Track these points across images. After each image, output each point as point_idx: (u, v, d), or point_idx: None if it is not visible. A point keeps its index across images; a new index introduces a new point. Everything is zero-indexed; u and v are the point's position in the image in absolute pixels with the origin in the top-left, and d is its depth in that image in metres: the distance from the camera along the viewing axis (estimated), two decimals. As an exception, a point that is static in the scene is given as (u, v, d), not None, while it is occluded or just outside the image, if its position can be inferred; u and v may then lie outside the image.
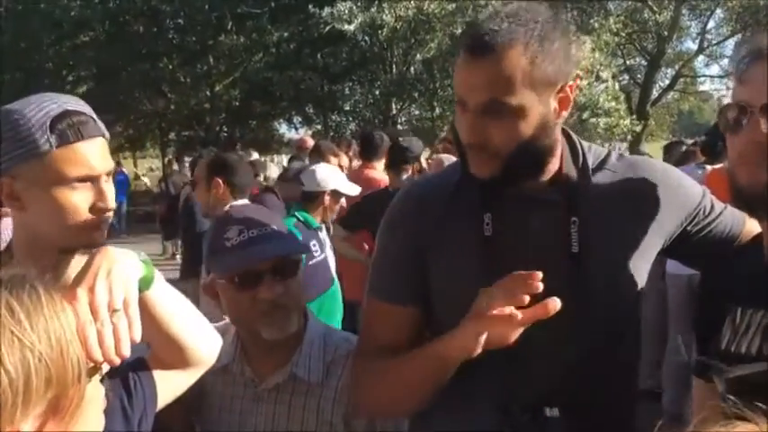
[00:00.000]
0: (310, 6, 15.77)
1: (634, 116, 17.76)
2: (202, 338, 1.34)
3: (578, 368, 1.38)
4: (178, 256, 11.97)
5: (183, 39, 21.67)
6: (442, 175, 1.58)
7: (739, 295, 1.27)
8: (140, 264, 1.17)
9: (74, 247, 1.39)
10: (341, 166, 6.12)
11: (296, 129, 25.90)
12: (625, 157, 1.52)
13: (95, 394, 0.97)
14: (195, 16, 19.97)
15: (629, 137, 18.63)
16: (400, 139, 4.75)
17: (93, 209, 1.36)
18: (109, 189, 1.39)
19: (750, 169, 1.16)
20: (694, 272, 1.51)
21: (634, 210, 1.44)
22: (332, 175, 4.21)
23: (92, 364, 0.94)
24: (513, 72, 1.27)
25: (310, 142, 8.15)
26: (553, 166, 1.42)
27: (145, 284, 1.16)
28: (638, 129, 18.86)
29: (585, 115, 17.66)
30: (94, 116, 1.39)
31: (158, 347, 1.30)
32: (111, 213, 1.41)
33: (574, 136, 1.50)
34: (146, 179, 23.21)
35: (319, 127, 23.69)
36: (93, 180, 1.36)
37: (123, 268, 1.10)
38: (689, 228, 1.48)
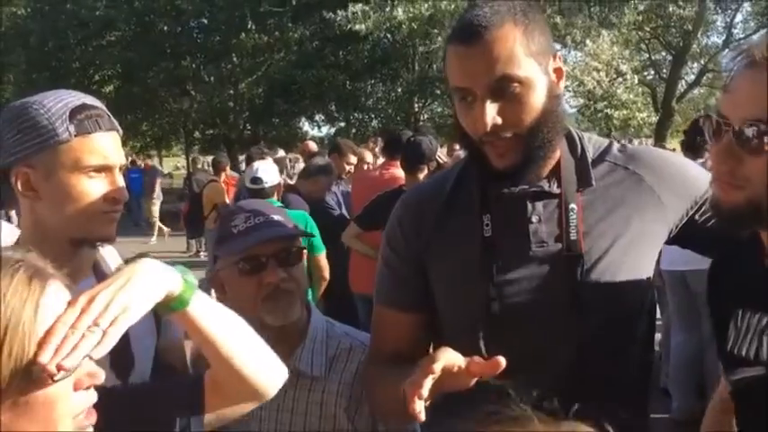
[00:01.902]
0: (324, 11, 15.81)
1: (652, 110, 17.54)
2: (257, 362, 1.25)
3: (581, 362, 1.36)
4: (202, 254, 12.11)
5: (207, 38, 21.81)
6: (437, 181, 1.59)
7: (740, 297, 1.26)
8: (179, 282, 1.13)
9: (85, 238, 1.42)
10: (366, 163, 6.19)
11: (318, 126, 26.01)
12: (627, 148, 1.50)
13: (56, 399, 0.94)
14: (218, 15, 20.09)
15: (645, 130, 18.42)
16: (411, 138, 4.72)
17: (106, 199, 1.40)
18: (122, 181, 1.43)
19: (725, 189, 1.11)
20: (688, 268, 1.50)
21: (636, 200, 1.42)
22: (275, 169, 4.98)
23: (40, 366, 0.91)
24: (513, 45, 1.28)
25: (311, 146, 8.36)
26: (552, 157, 1.41)
27: (180, 303, 1.13)
28: (653, 120, 18.62)
29: (600, 106, 17.51)
30: (108, 113, 1.44)
31: (214, 368, 1.25)
32: (121, 207, 1.44)
33: (571, 128, 1.49)
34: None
35: (342, 124, 23.72)
36: (108, 170, 1.41)
37: (142, 284, 1.06)
38: (696, 216, 1.45)
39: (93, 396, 1.01)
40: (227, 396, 1.27)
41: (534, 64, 1.30)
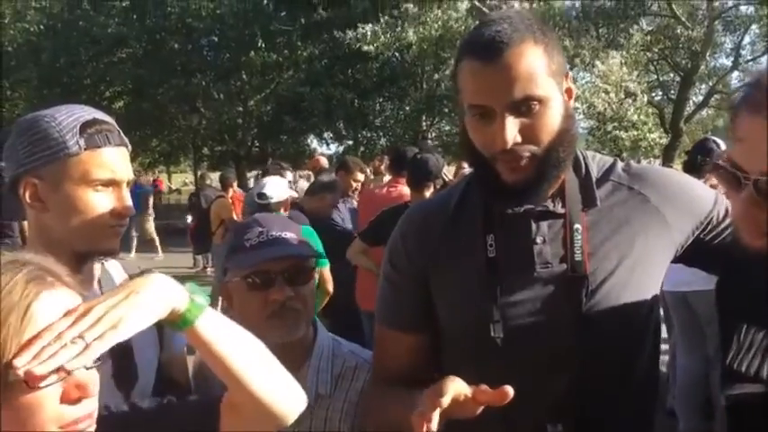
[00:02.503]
0: (335, 31, 15.92)
1: (662, 131, 17.54)
2: (273, 384, 1.19)
3: (585, 382, 1.35)
4: (209, 270, 12.11)
5: (217, 56, 22.00)
6: (441, 198, 1.57)
7: (746, 312, 1.24)
8: (185, 301, 1.10)
9: (88, 251, 1.43)
10: (357, 182, 6.23)
11: (327, 144, 26.09)
12: (632, 167, 1.48)
13: (39, 404, 0.94)
14: (228, 33, 20.27)
15: (655, 151, 18.40)
16: (417, 155, 4.74)
17: (112, 213, 1.41)
18: (128, 197, 1.45)
19: (752, 236, 1.09)
20: (690, 289, 1.48)
21: (641, 221, 1.40)
22: (284, 185, 5.10)
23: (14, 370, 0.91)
24: (535, 63, 1.27)
25: (323, 161, 8.40)
26: (559, 176, 1.39)
27: (184, 322, 1.10)
28: (663, 141, 18.62)
29: (610, 127, 17.49)
30: (118, 128, 1.46)
31: (230, 390, 1.20)
32: (126, 222, 1.45)
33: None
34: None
35: (350, 142, 23.78)
36: (115, 185, 1.42)
37: (141, 301, 1.04)
38: (702, 236, 1.43)
39: (88, 407, 0.99)
40: (243, 420, 1.20)
41: (553, 83, 1.30)
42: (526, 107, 1.27)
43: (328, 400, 1.64)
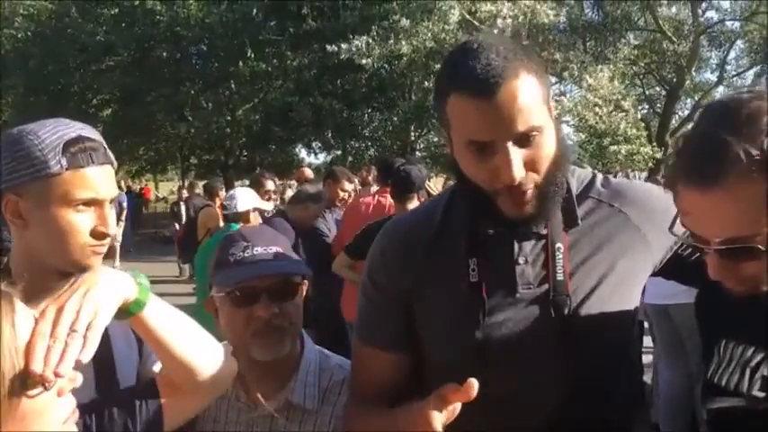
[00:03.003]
0: (326, 44, 15.97)
1: (654, 144, 17.67)
2: (208, 359, 1.35)
3: (570, 404, 1.35)
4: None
5: (206, 65, 22.00)
6: (423, 214, 1.53)
7: (724, 326, 1.26)
8: (134, 286, 1.20)
9: (70, 270, 1.42)
10: (346, 191, 6.23)
11: (315, 154, 26.12)
12: (611, 182, 1.47)
13: (47, 407, 1.00)
14: (217, 43, 20.28)
15: (650, 164, 18.56)
16: (400, 166, 4.74)
17: (93, 233, 1.40)
18: (110, 215, 1.43)
19: (734, 287, 1.12)
20: (671, 302, 1.49)
21: (622, 240, 1.39)
22: (250, 195, 5.09)
23: (35, 376, 0.97)
24: (532, 93, 1.25)
25: (308, 172, 8.44)
26: None
27: (137, 306, 1.20)
28: (658, 156, 18.80)
29: (606, 142, 17.59)
30: (105, 145, 1.45)
31: (166, 367, 1.34)
32: (109, 240, 1.44)
33: None
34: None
35: (338, 152, 23.81)
36: (96, 204, 1.40)
37: (103, 291, 1.12)
38: (680, 251, 1.44)
39: (73, 399, 1.06)
40: (181, 394, 1.34)
41: (546, 110, 1.29)
42: (527, 138, 1.25)
43: (315, 415, 1.62)
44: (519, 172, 1.24)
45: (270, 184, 5.95)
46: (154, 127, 23.53)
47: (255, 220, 5.02)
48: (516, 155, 1.24)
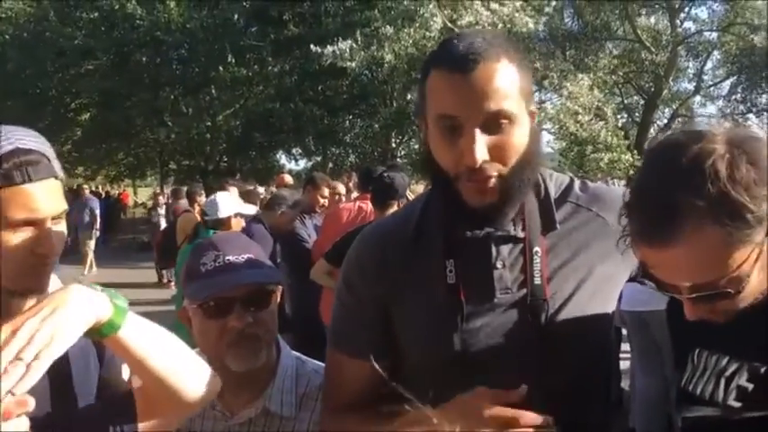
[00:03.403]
0: (311, 45, 15.95)
1: (634, 152, 17.87)
2: (191, 377, 1.27)
3: (549, 408, 1.30)
4: (173, 285, 11.96)
5: (186, 70, 21.91)
6: (399, 218, 1.51)
7: (697, 335, 1.26)
8: (108, 307, 1.12)
9: (14, 290, 1.31)
10: (338, 195, 6.22)
11: (296, 160, 26.09)
12: (589, 187, 1.46)
13: None
14: (197, 48, 20.21)
15: (630, 172, 18.73)
16: (382, 173, 4.74)
17: (32, 253, 1.29)
18: (54, 233, 1.31)
19: (711, 319, 1.14)
20: (646, 309, 1.50)
21: (600, 245, 1.38)
22: (231, 201, 4.95)
23: None
24: (509, 79, 1.24)
25: (287, 178, 8.40)
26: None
27: (110, 328, 1.12)
28: (639, 164, 18.99)
29: (588, 150, 17.74)
30: (50, 154, 1.32)
31: (146, 385, 1.26)
32: (53, 258, 1.33)
33: None
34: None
35: (319, 159, 23.80)
36: (36, 224, 1.28)
37: (68, 313, 1.04)
38: None
39: (24, 423, 0.99)
40: (159, 409, 1.27)
41: (522, 102, 1.27)
42: (496, 124, 1.23)
43: (292, 422, 1.60)
44: (481, 155, 1.22)
45: (233, 191, 5.85)
46: (133, 132, 23.38)
47: (238, 225, 4.96)
48: (481, 138, 1.23)
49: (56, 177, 1.32)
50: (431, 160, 1.32)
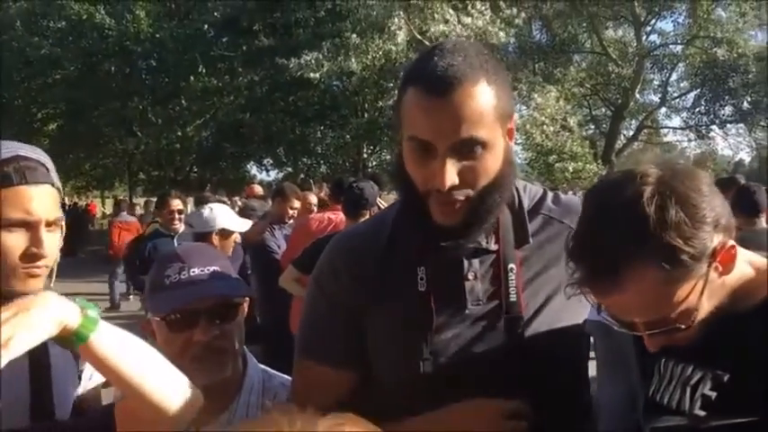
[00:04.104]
0: (277, 58, 15.92)
1: (600, 161, 18.13)
2: (170, 390, 1.24)
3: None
4: (131, 297, 11.86)
5: (156, 80, 21.72)
6: (372, 226, 1.51)
7: (664, 346, 1.27)
8: (77, 317, 1.11)
9: (9, 292, 1.33)
10: (310, 205, 6.19)
11: (267, 171, 25.96)
12: (561, 199, 1.46)
13: None
14: (167, 58, 20.05)
15: (595, 181, 18.98)
16: (353, 183, 4.76)
17: (25, 255, 1.33)
18: (48, 238, 1.34)
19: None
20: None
21: None
22: (219, 215, 4.46)
23: None
24: (484, 105, 1.22)
25: (257, 189, 8.30)
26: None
27: (78, 338, 1.11)
28: (603, 173, 19.27)
29: (552, 159, 17.95)
30: (49, 165, 1.38)
31: (126, 399, 1.24)
32: (48, 262, 1.36)
33: None
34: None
35: (290, 169, 23.71)
36: (29, 226, 1.33)
37: (31, 319, 1.04)
38: None
39: None
40: (140, 423, 1.24)
41: (498, 127, 1.25)
42: (468, 149, 1.22)
43: None
44: (450, 180, 1.22)
45: (176, 203, 5.59)
46: (101, 142, 23.07)
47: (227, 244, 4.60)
48: (451, 163, 1.22)
49: (52, 185, 1.38)
50: (403, 172, 1.32)
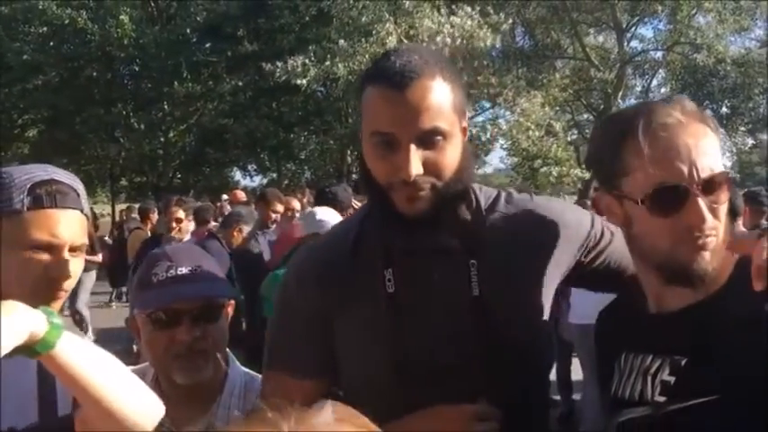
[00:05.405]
0: (261, 63, 15.88)
1: (583, 166, 18.26)
2: (132, 401, 1.24)
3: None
4: (114, 304, 11.79)
5: (138, 85, 21.62)
6: (338, 233, 1.53)
7: (624, 341, 1.30)
8: (43, 325, 1.11)
9: None
10: (292, 211, 6.18)
11: (250, 176, 25.88)
12: (513, 198, 1.49)
13: None
14: (150, 63, 19.96)
15: (579, 185, 19.08)
16: (326, 188, 4.77)
17: (46, 276, 1.36)
18: (72, 262, 1.38)
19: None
20: (593, 321, 1.51)
21: (527, 248, 1.42)
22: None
23: None
24: (444, 97, 1.26)
25: (240, 195, 8.31)
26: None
27: (44, 346, 1.11)
28: (587, 176, 19.44)
29: (537, 164, 18.06)
30: (81, 192, 1.42)
31: (85, 409, 1.23)
32: (68, 285, 1.39)
33: None
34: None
35: (274, 175, 23.67)
36: (54, 249, 1.36)
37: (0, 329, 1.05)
38: (583, 258, 1.47)
39: None
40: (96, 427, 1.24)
41: (456, 119, 1.30)
42: (431, 140, 1.26)
43: None
44: (416, 169, 1.25)
45: (176, 211, 5.79)
46: (83, 148, 22.90)
47: None
48: (416, 153, 1.25)
49: (81, 211, 1.41)
50: (367, 173, 1.34)
